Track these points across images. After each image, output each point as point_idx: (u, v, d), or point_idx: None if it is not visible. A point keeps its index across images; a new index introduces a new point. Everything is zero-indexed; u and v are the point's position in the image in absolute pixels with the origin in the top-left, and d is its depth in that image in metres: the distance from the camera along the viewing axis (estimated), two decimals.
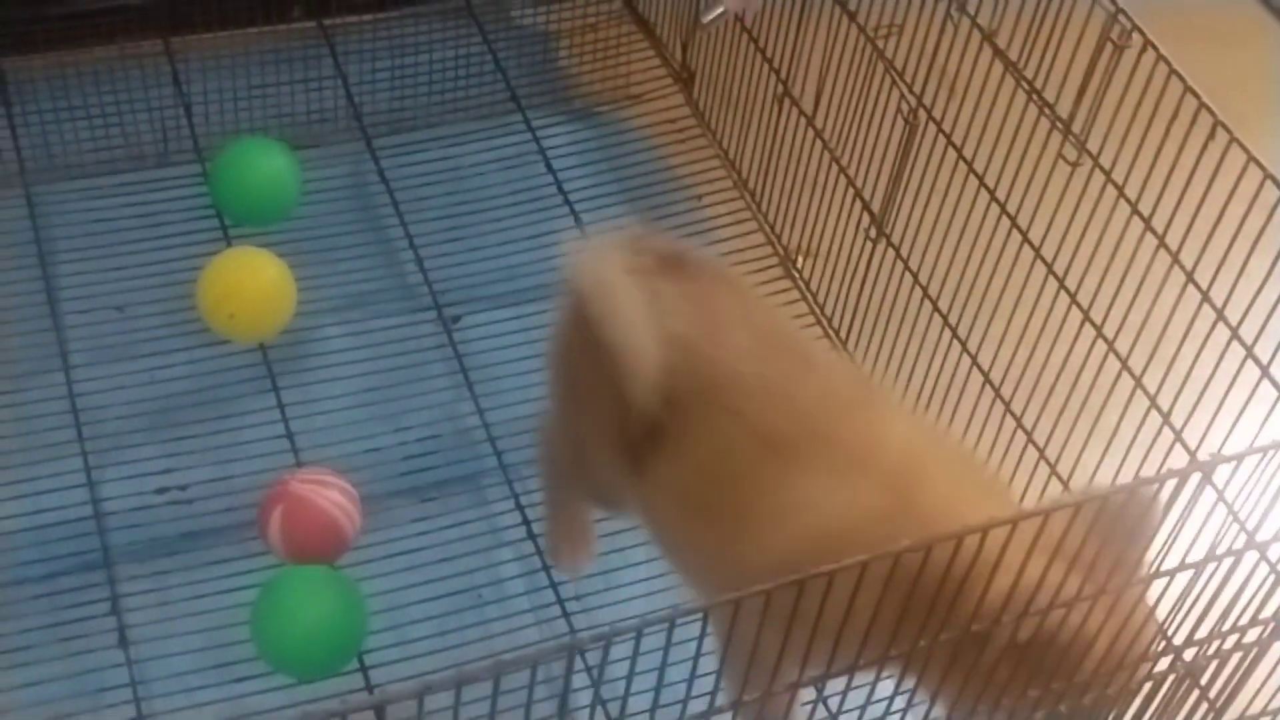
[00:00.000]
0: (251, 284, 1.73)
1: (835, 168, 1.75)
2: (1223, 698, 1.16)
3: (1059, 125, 1.36)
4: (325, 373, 1.79)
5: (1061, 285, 1.46)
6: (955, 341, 1.60)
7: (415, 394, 1.79)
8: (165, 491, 1.67)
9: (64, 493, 1.63)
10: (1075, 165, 1.32)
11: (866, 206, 1.69)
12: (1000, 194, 1.49)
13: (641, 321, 1.19)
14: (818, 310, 1.87)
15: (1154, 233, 1.35)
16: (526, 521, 1.66)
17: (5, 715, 1.45)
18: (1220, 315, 1.30)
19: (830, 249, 1.78)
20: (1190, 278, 1.33)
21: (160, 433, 1.71)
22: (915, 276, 1.64)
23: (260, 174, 1.86)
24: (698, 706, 0.99)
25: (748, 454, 1.17)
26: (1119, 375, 1.44)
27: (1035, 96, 1.42)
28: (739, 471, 1.17)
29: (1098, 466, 1.49)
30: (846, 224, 1.76)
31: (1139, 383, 1.41)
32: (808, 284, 1.89)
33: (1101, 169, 1.36)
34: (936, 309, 1.61)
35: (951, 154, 1.56)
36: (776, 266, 1.94)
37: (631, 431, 1.24)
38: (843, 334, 1.81)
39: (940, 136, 1.56)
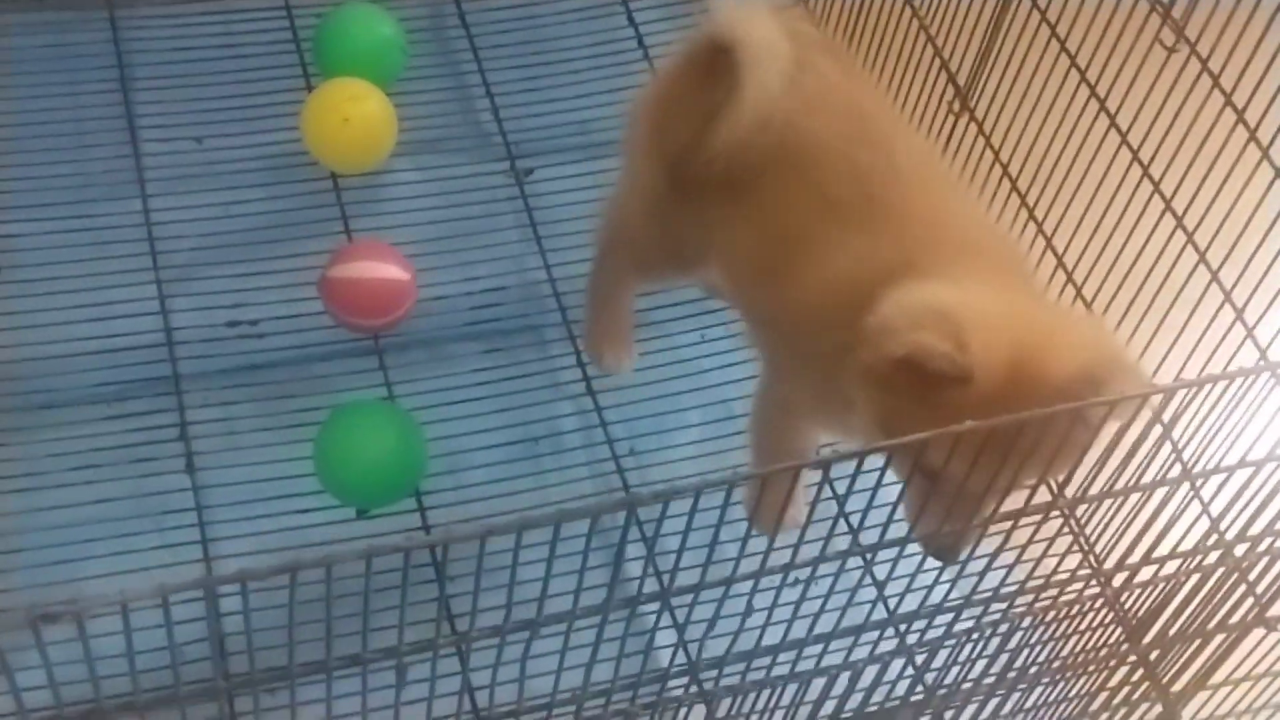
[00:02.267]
0: (368, 102, 1.75)
1: (923, 36, 1.72)
2: (1268, 595, 1.16)
3: (1158, 8, 1.32)
4: (396, 218, 1.80)
5: (1145, 172, 1.44)
6: (1031, 222, 1.58)
7: (484, 244, 1.80)
8: (235, 325, 1.69)
9: (137, 319, 1.66)
10: (1171, 51, 1.28)
11: (952, 78, 1.66)
12: (1091, 75, 1.46)
13: (779, 47, 1.27)
14: None
15: (1245, 125, 1.32)
16: (586, 377, 1.68)
17: (73, 528, 1.49)
18: None
19: (910, 119, 1.75)
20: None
21: (232, 266, 1.73)
22: (996, 154, 1.61)
23: (366, 42, 1.84)
24: (749, 566, 1.02)
25: (811, 215, 1.26)
26: (1195, 268, 1.42)
27: None
28: (800, 231, 1.27)
29: (1165, 356, 1.47)
30: (930, 95, 1.73)
31: (1215, 277, 1.39)
32: None
33: (1198, 56, 1.32)
34: (1015, 188, 1.59)
35: (1044, 30, 1.53)
36: None
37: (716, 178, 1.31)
38: None
39: (1034, 10, 1.53)
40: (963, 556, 1.11)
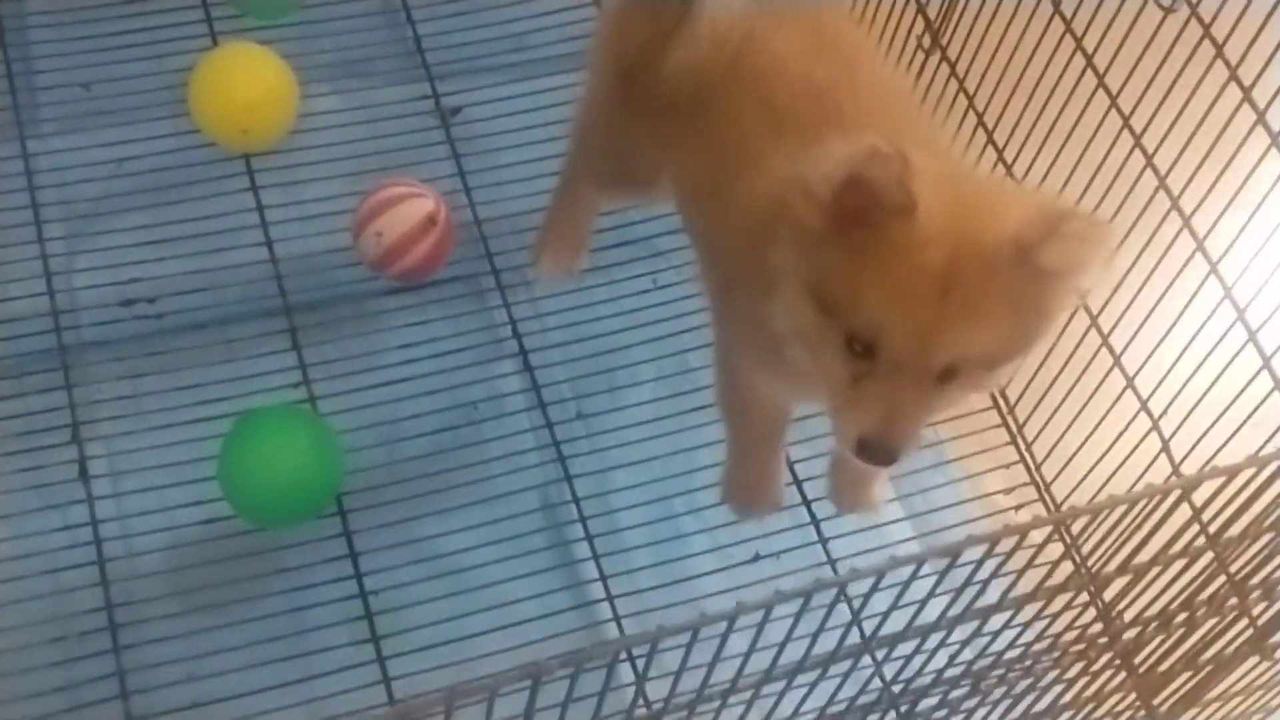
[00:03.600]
0: (266, 107, 1.58)
1: None
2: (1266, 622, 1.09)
3: None
4: (312, 169, 1.65)
5: (1125, 123, 1.32)
6: (1002, 167, 1.45)
7: None
8: (131, 304, 1.56)
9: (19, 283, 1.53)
10: (1169, 11, 1.15)
11: (922, 10, 1.51)
12: (1077, 27, 1.32)
13: None
14: None
15: (1240, 84, 1.20)
16: (517, 334, 1.57)
17: None
18: None
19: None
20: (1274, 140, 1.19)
21: (127, 233, 1.59)
22: (969, 97, 1.47)
23: None
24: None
25: (761, 129, 1.16)
26: (1179, 233, 1.31)
27: None
28: (748, 146, 1.16)
29: (1144, 321, 1.39)
30: (899, 29, 1.58)
31: (1200, 245, 1.28)
32: None
33: (1199, 19, 1.19)
34: (987, 132, 1.46)
35: None
36: None
37: (663, 98, 1.23)
38: None
39: None
40: (903, 458, 1.01)
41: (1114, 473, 1.40)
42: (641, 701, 0.92)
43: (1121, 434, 1.39)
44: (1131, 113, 1.30)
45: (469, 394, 1.55)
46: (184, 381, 1.49)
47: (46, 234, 1.56)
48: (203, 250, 1.57)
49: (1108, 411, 1.41)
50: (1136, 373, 1.37)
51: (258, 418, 1.38)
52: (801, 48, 1.19)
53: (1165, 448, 1.34)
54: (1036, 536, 0.94)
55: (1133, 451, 1.38)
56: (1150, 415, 1.35)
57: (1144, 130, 1.31)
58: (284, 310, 1.54)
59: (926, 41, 1.48)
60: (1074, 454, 1.45)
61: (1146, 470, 1.36)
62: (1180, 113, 1.28)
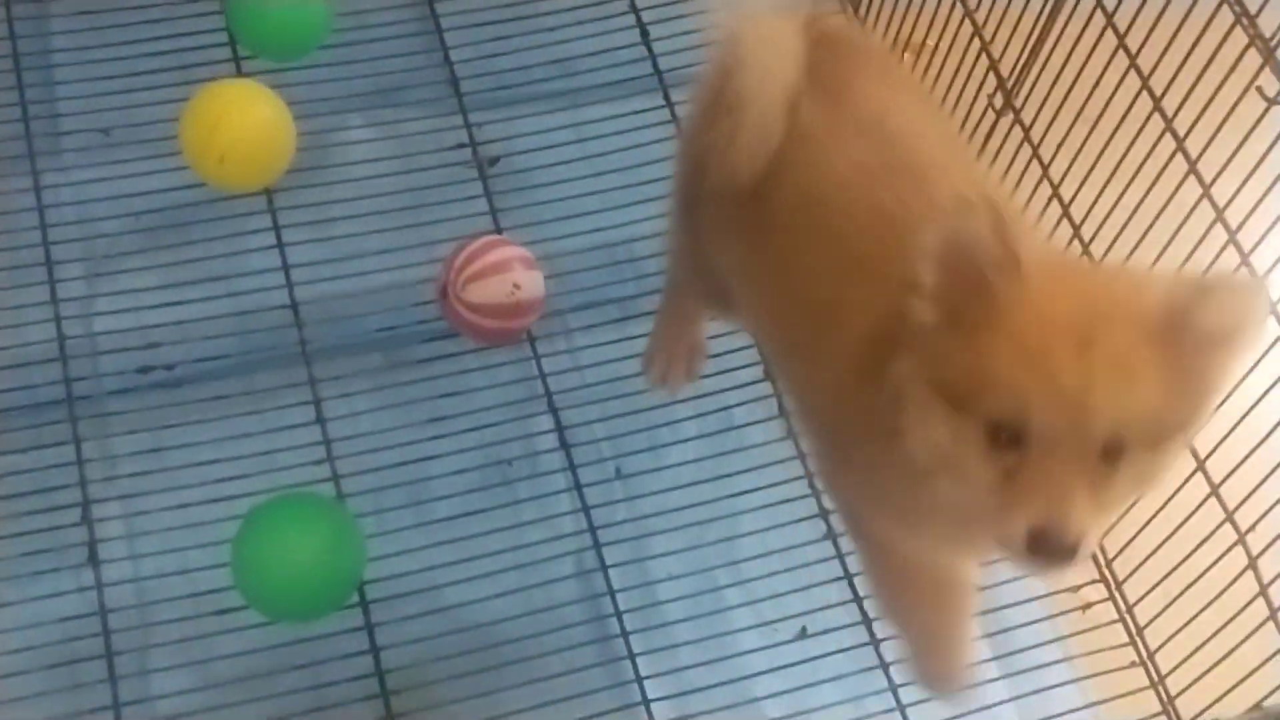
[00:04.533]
0: (243, 129, 1.46)
1: (967, 21, 1.45)
2: None
3: (1252, 34, 1.08)
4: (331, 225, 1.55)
5: (1206, 193, 1.22)
6: (1076, 239, 1.36)
7: (440, 234, 1.54)
8: (149, 371, 1.47)
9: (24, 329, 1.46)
10: (1272, 103, 1.05)
11: (994, 67, 1.41)
12: (1156, 85, 1.23)
13: (778, 80, 1.09)
14: None
15: None
16: (548, 391, 1.49)
17: None
18: None
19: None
20: None
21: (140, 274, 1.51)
22: (1044, 166, 1.36)
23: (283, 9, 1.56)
24: None
25: (837, 277, 1.06)
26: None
27: None
28: (827, 298, 1.06)
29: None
30: (968, 85, 1.47)
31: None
32: None
33: None
34: (1057, 196, 1.37)
35: (1100, 21, 1.28)
36: None
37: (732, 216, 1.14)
38: None
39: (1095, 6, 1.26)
40: (1084, 553, 0.87)
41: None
42: None
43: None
44: (1227, 205, 1.19)
45: (503, 451, 1.48)
46: (202, 446, 1.41)
47: (58, 274, 1.48)
48: (220, 294, 1.49)
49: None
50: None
51: (272, 509, 1.29)
52: (864, 159, 1.07)
53: None
54: None
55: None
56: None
57: (1239, 227, 1.20)
58: (303, 360, 1.46)
59: (999, 101, 1.38)
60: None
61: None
62: None
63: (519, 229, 1.54)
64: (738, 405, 1.51)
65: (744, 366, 1.51)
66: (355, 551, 1.31)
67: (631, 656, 1.37)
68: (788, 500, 1.45)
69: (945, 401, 0.90)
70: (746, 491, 1.45)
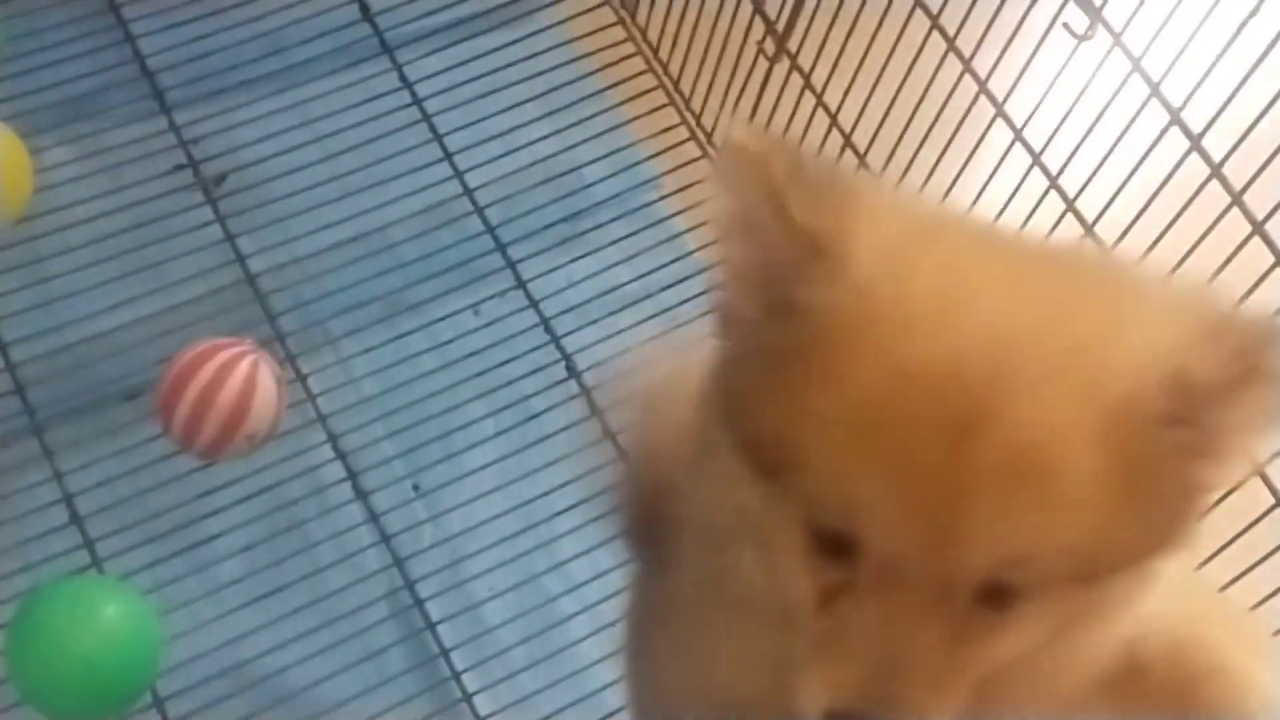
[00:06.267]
0: None
1: None
2: None
3: None
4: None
5: (1018, 137, 1.14)
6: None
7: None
8: None
9: None
10: (1082, 39, 0.95)
11: (760, 13, 1.27)
12: (949, 24, 1.12)
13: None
14: (703, 139, 1.49)
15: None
16: (320, 414, 1.33)
17: None
18: None
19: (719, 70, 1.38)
20: None
21: None
22: (825, 107, 1.26)
23: None
24: None
25: None
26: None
27: None
28: None
29: None
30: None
31: None
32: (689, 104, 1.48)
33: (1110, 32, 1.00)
34: (849, 142, 1.26)
35: None
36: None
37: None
38: None
39: None
40: None
41: None
42: None
43: None
44: (1043, 150, 1.11)
45: (286, 492, 1.32)
46: None
47: None
48: None
49: None
50: None
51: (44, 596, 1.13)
52: None
53: None
54: None
55: None
56: None
57: (1059, 172, 1.13)
58: (33, 430, 1.27)
59: (770, 48, 1.25)
60: None
61: None
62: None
63: (263, 252, 1.36)
64: (535, 394, 1.38)
65: (535, 349, 1.38)
66: (149, 636, 1.15)
67: (467, 698, 1.25)
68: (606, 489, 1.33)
69: (754, 463, 0.58)
70: (559, 487, 1.33)
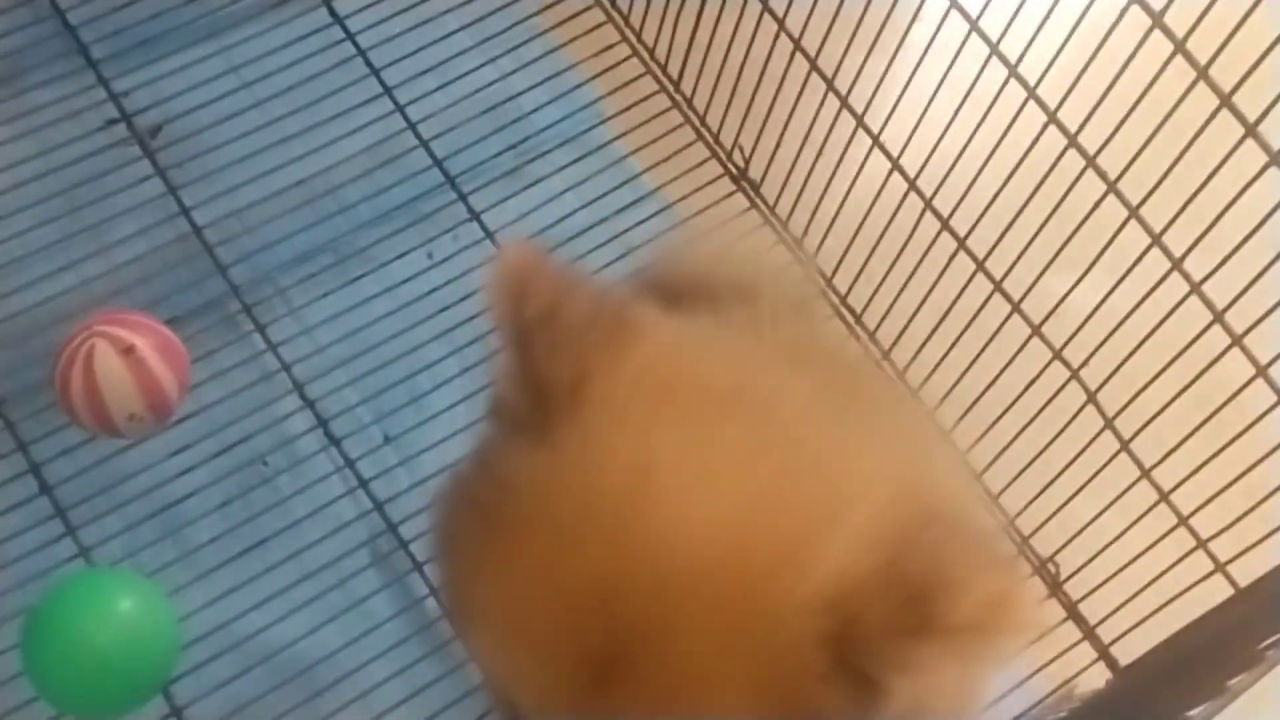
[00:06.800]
0: None
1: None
2: None
3: None
4: None
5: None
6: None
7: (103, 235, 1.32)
8: None
9: None
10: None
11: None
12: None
13: None
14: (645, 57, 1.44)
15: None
16: (284, 364, 1.31)
17: None
18: None
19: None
20: None
21: None
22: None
23: None
24: None
25: None
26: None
27: None
28: None
29: None
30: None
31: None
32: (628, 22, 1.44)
33: None
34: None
35: None
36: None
37: None
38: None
39: None
40: None
41: None
42: None
43: None
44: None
45: (253, 448, 1.30)
46: None
47: None
48: None
49: None
50: None
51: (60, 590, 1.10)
52: None
53: None
54: None
55: None
56: None
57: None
58: None
59: None
60: None
61: None
62: None
63: (206, 204, 1.32)
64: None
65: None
66: (165, 631, 1.12)
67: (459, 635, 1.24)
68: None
69: None
70: None
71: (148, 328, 1.17)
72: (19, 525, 1.19)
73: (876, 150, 1.22)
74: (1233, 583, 1.06)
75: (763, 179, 1.37)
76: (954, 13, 1.08)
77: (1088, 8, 1.01)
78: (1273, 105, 0.89)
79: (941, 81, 1.13)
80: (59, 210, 1.32)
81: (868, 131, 1.21)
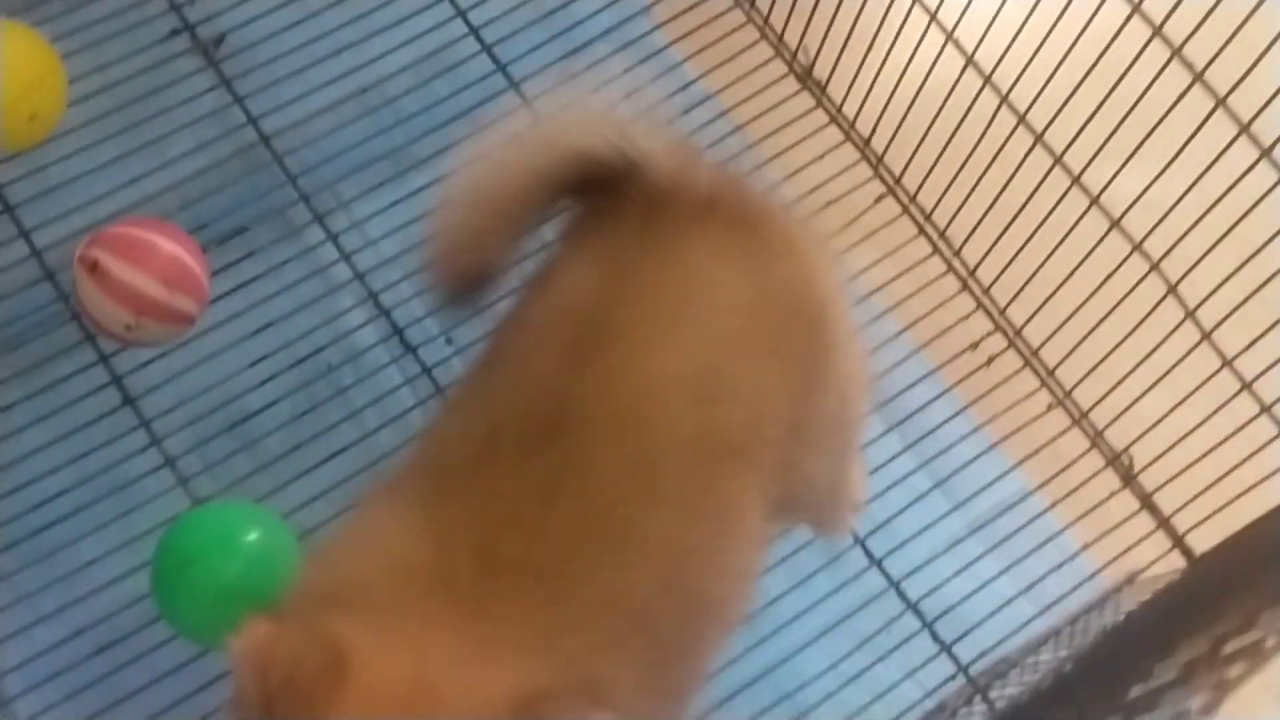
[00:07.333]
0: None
1: None
2: None
3: None
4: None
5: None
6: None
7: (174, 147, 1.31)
8: None
9: None
10: None
11: None
12: None
13: None
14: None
15: None
16: (358, 274, 1.30)
17: None
18: None
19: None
20: None
21: None
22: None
23: None
24: None
25: None
26: None
27: None
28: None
29: None
30: None
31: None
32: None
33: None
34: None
35: None
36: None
37: None
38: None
39: None
40: None
41: None
42: None
43: None
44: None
45: (321, 361, 1.30)
46: None
47: None
48: None
49: None
50: None
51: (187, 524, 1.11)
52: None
53: None
54: None
55: None
56: None
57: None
58: (76, 320, 1.23)
59: None
60: None
61: None
62: None
63: (272, 114, 1.32)
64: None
65: None
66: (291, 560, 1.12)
67: None
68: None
69: None
70: None
71: (116, 236, 1.14)
72: (104, 437, 1.19)
73: (947, 49, 1.21)
74: None
75: (828, 79, 1.36)
76: None
77: None
78: None
79: None
80: (118, 125, 1.31)
81: (941, 28, 1.20)
